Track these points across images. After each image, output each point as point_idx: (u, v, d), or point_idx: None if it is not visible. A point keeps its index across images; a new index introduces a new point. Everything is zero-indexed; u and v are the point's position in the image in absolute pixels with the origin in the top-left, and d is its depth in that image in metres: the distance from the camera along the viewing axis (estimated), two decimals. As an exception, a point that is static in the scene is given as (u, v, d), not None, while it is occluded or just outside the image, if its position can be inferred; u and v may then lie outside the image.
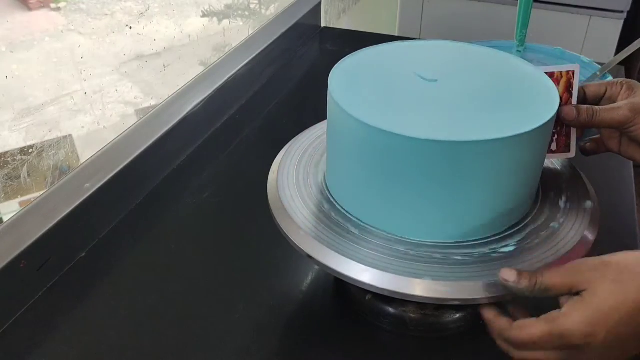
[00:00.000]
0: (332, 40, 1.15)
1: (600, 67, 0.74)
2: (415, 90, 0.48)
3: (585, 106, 0.48)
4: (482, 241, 0.46)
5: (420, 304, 0.52)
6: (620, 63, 0.73)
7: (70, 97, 0.62)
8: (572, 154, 0.52)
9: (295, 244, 0.47)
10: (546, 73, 0.49)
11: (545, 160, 0.50)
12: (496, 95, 0.47)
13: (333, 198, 0.50)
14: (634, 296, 0.37)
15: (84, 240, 0.62)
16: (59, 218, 0.58)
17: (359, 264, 0.44)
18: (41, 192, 0.57)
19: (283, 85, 0.98)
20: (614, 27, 1.22)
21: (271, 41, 0.98)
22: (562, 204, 0.50)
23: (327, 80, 0.48)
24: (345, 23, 1.40)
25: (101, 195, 0.63)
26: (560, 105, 0.48)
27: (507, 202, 0.46)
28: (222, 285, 0.58)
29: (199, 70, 0.82)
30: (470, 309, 0.53)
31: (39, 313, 0.55)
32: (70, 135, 0.63)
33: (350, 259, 0.44)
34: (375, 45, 0.54)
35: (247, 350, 0.51)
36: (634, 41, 0.65)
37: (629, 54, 0.68)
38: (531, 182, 0.48)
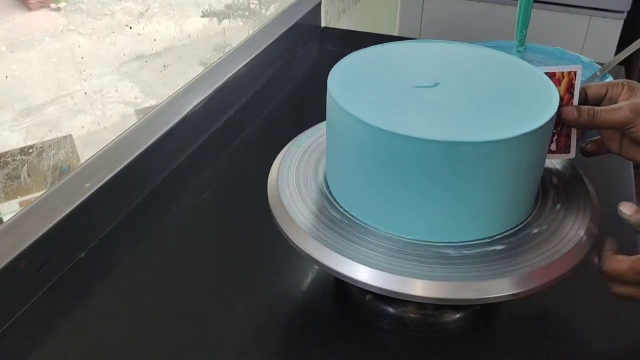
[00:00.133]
0: (332, 40, 1.15)
1: (600, 67, 0.74)
2: (414, 89, 0.47)
3: (586, 107, 0.48)
4: (483, 241, 0.46)
5: (420, 304, 0.52)
6: (620, 63, 0.73)
7: (70, 97, 0.62)
8: (572, 154, 0.52)
9: (295, 244, 0.47)
10: (547, 73, 0.49)
11: (546, 161, 0.50)
12: (496, 96, 0.47)
13: (333, 198, 0.50)
14: None
15: (84, 240, 0.62)
16: (59, 218, 0.58)
17: (359, 264, 0.44)
18: (41, 192, 0.57)
19: (283, 85, 0.98)
20: (614, 27, 1.22)
21: (271, 41, 0.98)
22: (562, 204, 0.50)
23: (327, 80, 0.48)
24: (345, 23, 1.40)
25: (101, 195, 0.63)
26: (561, 106, 0.48)
27: (507, 202, 0.46)
28: (222, 285, 0.58)
29: (199, 70, 0.82)
30: (470, 309, 0.53)
31: (39, 313, 0.55)
32: (70, 135, 0.63)
33: (350, 259, 0.44)
34: (375, 45, 0.54)
35: (247, 350, 0.51)
36: (634, 41, 0.66)
37: (629, 54, 0.68)
38: (532, 182, 0.48)
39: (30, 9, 0.59)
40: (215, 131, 0.83)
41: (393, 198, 0.45)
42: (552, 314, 0.55)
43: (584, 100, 0.50)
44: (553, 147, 0.52)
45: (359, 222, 0.48)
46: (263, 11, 1.02)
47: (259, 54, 0.95)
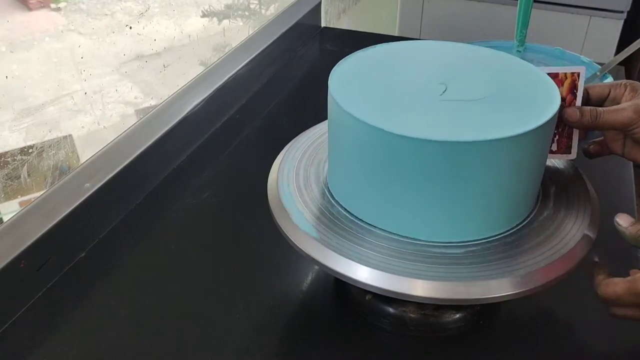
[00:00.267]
0: (332, 40, 1.15)
1: (600, 67, 0.74)
2: (415, 90, 0.48)
3: (589, 107, 0.48)
4: (483, 241, 0.46)
5: (420, 304, 0.52)
6: (620, 63, 0.73)
7: (70, 97, 0.62)
8: (573, 155, 0.52)
9: (295, 244, 0.47)
10: (550, 74, 0.49)
11: (547, 160, 0.50)
12: (496, 95, 0.47)
13: (333, 198, 0.50)
14: None
15: (84, 240, 0.62)
16: (59, 218, 0.58)
17: (359, 264, 0.44)
18: (41, 192, 0.57)
19: (283, 85, 0.98)
20: (614, 27, 1.22)
21: (271, 41, 0.98)
22: (562, 203, 0.50)
23: (327, 80, 0.48)
24: (345, 23, 1.40)
25: (101, 195, 0.63)
26: (563, 107, 0.48)
27: (508, 202, 0.46)
28: (222, 285, 0.58)
29: (199, 70, 0.82)
30: (470, 309, 0.53)
31: (39, 313, 0.55)
32: (70, 135, 0.63)
33: (350, 259, 0.44)
34: (375, 45, 0.54)
35: (247, 350, 0.51)
36: (634, 41, 0.65)
37: (629, 54, 0.68)
38: (532, 182, 0.48)
39: (30, 9, 0.59)
40: (215, 131, 0.83)
41: (393, 198, 0.45)
42: (552, 314, 0.55)
43: (587, 100, 0.50)
44: (554, 147, 0.52)
45: (359, 222, 0.48)
46: (263, 11, 1.02)
47: (259, 54, 0.95)
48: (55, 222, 0.57)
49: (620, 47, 1.16)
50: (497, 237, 0.47)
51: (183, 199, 0.70)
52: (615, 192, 0.71)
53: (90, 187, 0.62)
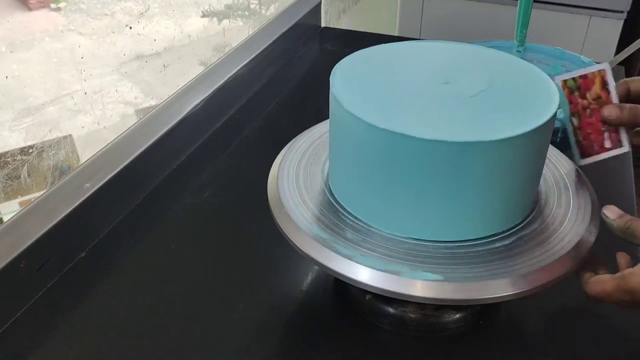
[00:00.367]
0: (332, 40, 1.15)
1: (600, 67, 0.74)
2: (416, 90, 0.48)
3: (629, 105, 0.48)
4: (483, 241, 0.46)
5: (420, 304, 0.52)
6: (620, 63, 0.73)
7: (70, 97, 0.62)
8: (626, 148, 0.51)
9: (295, 244, 0.47)
10: (581, 76, 0.50)
11: (546, 160, 0.50)
12: (496, 95, 0.47)
13: (333, 198, 0.50)
14: None
15: (84, 240, 0.62)
16: (59, 218, 0.58)
17: (359, 264, 0.44)
18: (41, 192, 0.57)
19: (283, 85, 0.98)
20: (614, 27, 1.22)
21: (271, 41, 0.98)
22: (563, 203, 0.50)
23: (327, 80, 0.48)
24: (345, 23, 1.40)
25: (101, 195, 0.63)
26: (601, 105, 0.49)
27: (508, 201, 0.46)
28: (222, 285, 0.58)
29: (199, 70, 0.82)
30: (470, 309, 0.53)
31: (39, 313, 0.55)
32: (70, 135, 0.63)
33: (350, 259, 0.44)
34: (376, 45, 0.54)
35: (247, 350, 0.51)
36: (634, 41, 0.65)
37: (629, 54, 0.68)
38: (532, 181, 0.48)
39: (30, 9, 0.59)
40: (215, 131, 0.83)
41: (393, 198, 0.45)
42: (552, 314, 0.55)
43: (627, 95, 0.50)
44: (608, 144, 0.51)
45: (358, 222, 0.48)
46: (263, 11, 1.02)
47: (259, 54, 0.95)
48: (55, 222, 0.57)
49: (620, 47, 1.16)
50: (496, 237, 0.47)
51: (183, 199, 0.70)
52: (615, 192, 0.71)
53: (90, 187, 0.62)
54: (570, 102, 0.51)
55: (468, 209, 0.45)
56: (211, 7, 0.86)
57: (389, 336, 0.53)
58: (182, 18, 0.79)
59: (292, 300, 0.57)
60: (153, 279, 0.59)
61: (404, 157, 0.43)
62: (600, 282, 0.44)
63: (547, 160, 0.53)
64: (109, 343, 0.52)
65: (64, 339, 0.52)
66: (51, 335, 0.53)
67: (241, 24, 0.95)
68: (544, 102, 0.45)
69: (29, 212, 0.55)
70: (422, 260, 0.44)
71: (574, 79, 0.51)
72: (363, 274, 0.43)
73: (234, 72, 0.88)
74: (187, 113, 0.77)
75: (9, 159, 0.57)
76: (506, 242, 0.46)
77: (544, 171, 0.52)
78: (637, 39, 0.65)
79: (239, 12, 0.94)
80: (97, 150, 0.63)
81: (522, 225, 0.48)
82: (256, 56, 0.94)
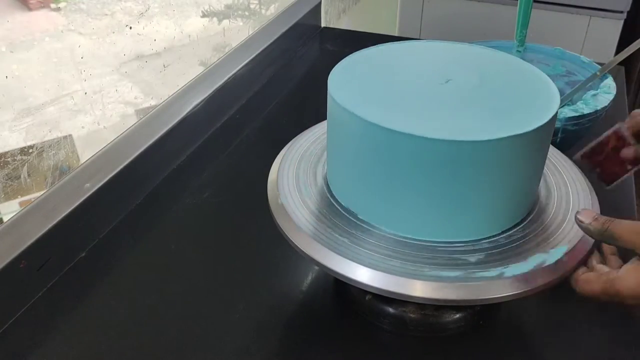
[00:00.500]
0: (332, 40, 1.15)
1: (600, 67, 0.74)
2: (416, 89, 0.48)
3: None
4: (483, 241, 0.46)
5: (420, 304, 0.52)
6: (620, 63, 0.73)
7: (70, 97, 0.62)
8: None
9: (295, 245, 0.47)
10: (597, 144, 0.53)
11: (546, 160, 0.50)
12: (496, 95, 0.47)
13: (333, 198, 0.50)
14: None
15: (84, 240, 0.62)
16: (59, 218, 0.58)
17: (359, 265, 0.44)
18: (41, 192, 0.57)
19: (283, 85, 0.98)
20: (614, 27, 1.22)
21: (271, 41, 0.98)
22: (563, 203, 0.50)
23: (327, 80, 0.48)
24: (345, 23, 1.40)
25: (101, 195, 0.63)
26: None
27: (507, 201, 0.46)
28: (222, 285, 0.58)
29: (199, 70, 0.82)
30: (470, 309, 0.53)
31: (39, 313, 0.55)
32: (70, 135, 0.63)
33: (350, 259, 0.44)
34: (375, 45, 0.54)
35: (247, 350, 0.51)
36: (634, 41, 0.65)
37: (629, 54, 0.68)
38: (532, 181, 0.48)
39: (30, 9, 0.59)
40: (215, 131, 0.83)
41: (393, 197, 0.45)
42: (552, 314, 0.55)
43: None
44: (629, 167, 0.53)
45: (358, 222, 0.48)
46: (263, 11, 1.02)
47: (259, 54, 0.95)
48: (55, 222, 0.57)
49: (620, 47, 1.16)
50: (496, 237, 0.47)
51: (183, 199, 0.70)
52: (615, 192, 0.71)
53: (90, 187, 0.62)
54: (592, 163, 0.54)
55: (468, 208, 0.45)
56: (211, 7, 0.86)
57: (389, 336, 0.53)
58: (182, 18, 0.79)
59: (292, 300, 0.57)
60: (153, 279, 0.59)
61: (404, 156, 0.43)
62: (590, 283, 0.44)
63: (547, 160, 0.53)
64: (109, 343, 0.52)
65: (64, 339, 0.52)
66: (51, 335, 0.53)
67: (241, 24, 0.95)
68: (545, 102, 0.45)
69: (29, 212, 0.55)
70: (422, 260, 0.44)
71: (592, 148, 0.53)
72: (363, 274, 0.43)
73: (234, 72, 0.88)
74: (187, 113, 0.77)
75: (9, 159, 0.57)
76: (506, 242, 0.46)
77: (544, 171, 0.52)
78: (637, 39, 0.65)
79: (239, 12, 0.94)
80: (97, 150, 0.63)
81: (523, 224, 0.48)
82: (256, 56, 0.94)
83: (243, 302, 0.56)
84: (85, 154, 0.63)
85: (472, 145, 0.41)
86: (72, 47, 0.63)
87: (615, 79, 0.73)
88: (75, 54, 0.63)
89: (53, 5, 0.61)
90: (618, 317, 0.54)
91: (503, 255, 0.45)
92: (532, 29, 0.82)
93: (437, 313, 0.52)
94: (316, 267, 0.58)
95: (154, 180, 0.72)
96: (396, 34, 1.41)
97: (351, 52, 0.53)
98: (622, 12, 1.20)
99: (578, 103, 0.69)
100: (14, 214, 0.54)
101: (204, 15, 0.85)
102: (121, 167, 0.66)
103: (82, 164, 0.61)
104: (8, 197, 0.57)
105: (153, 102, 0.75)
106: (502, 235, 0.47)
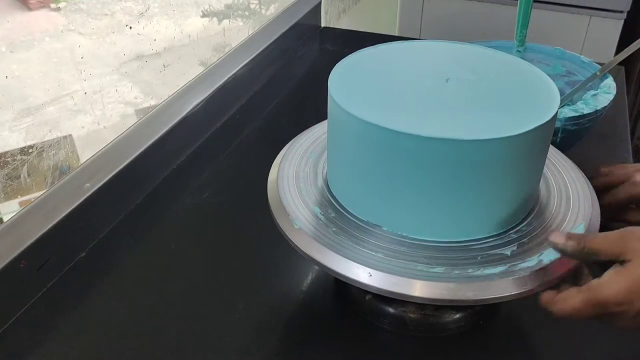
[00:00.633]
0: (332, 40, 1.15)
1: (600, 67, 0.74)
2: (415, 89, 0.48)
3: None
4: (483, 241, 0.46)
5: (420, 304, 0.52)
6: (620, 63, 0.73)
7: (70, 97, 0.62)
8: None
9: (295, 244, 0.47)
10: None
11: (546, 160, 0.50)
12: (496, 95, 0.47)
13: (333, 198, 0.50)
14: None
15: (84, 240, 0.62)
16: (59, 218, 0.58)
17: (359, 265, 0.44)
18: (41, 192, 0.57)
19: (283, 85, 0.98)
20: (614, 27, 1.22)
21: (271, 41, 0.98)
22: (563, 203, 0.50)
23: (327, 80, 0.48)
24: (345, 23, 1.40)
25: (101, 195, 0.63)
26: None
27: (507, 201, 0.46)
28: (222, 285, 0.58)
29: (199, 70, 0.82)
30: (470, 309, 0.53)
31: (39, 313, 0.55)
32: (70, 135, 0.63)
33: (350, 259, 0.44)
34: (375, 45, 0.54)
35: (247, 350, 0.51)
36: (634, 41, 0.66)
37: (629, 54, 0.68)
38: (532, 181, 0.48)
39: (30, 9, 0.59)
40: (215, 131, 0.83)
41: (393, 197, 0.45)
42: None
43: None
44: None
45: (358, 222, 0.48)
46: (263, 11, 1.02)
47: (259, 54, 0.95)
48: (55, 222, 0.57)
49: (620, 47, 1.16)
50: (496, 237, 0.47)
51: (183, 199, 0.70)
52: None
53: (90, 187, 0.62)
54: None
55: (468, 208, 0.45)
56: (211, 7, 0.86)
57: (389, 336, 0.53)
58: (182, 18, 0.79)
59: (292, 300, 0.57)
60: (153, 279, 0.59)
61: (404, 156, 0.43)
62: (568, 299, 0.41)
63: (547, 160, 0.53)
64: (109, 343, 0.52)
65: (64, 339, 0.52)
66: (51, 335, 0.53)
67: (241, 24, 0.95)
68: (545, 102, 0.45)
69: (29, 212, 0.55)
70: (422, 260, 0.44)
71: None
72: (363, 274, 0.43)
73: (234, 72, 0.88)
74: (187, 113, 0.77)
75: (9, 159, 0.57)
76: (506, 241, 0.46)
77: (544, 171, 0.52)
78: (637, 39, 0.65)
79: (239, 12, 0.94)
80: (97, 150, 0.63)
81: (523, 224, 0.48)
82: (256, 56, 0.94)
83: (243, 302, 0.56)
84: (85, 154, 0.63)
85: (472, 145, 0.41)
86: (72, 47, 0.63)
87: (615, 79, 0.73)
88: (75, 54, 0.63)
89: (53, 5, 0.61)
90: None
91: (503, 255, 0.45)
92: (532, 29, 0.82)
93: (437, 313, 0.52)
94: (316, 267, 0.58)
95: (154, 180, 0.72)
96: (396, 34, 1.41)
97: (351, 52, 0.52)
98: (622, 12, 1.20)
99: (578, 103, 0.69)
100: (14, 214, 0.54)
101: (204, 15, 0.85)
102: (121, 167, 0.66)
103: (82, 164, 0.61)
104: (8, 197, 0.57)
105: (153, 102, 0.75)
106: (502, 235, 0.47)
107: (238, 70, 0.89)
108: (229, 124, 0.86)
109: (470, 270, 0.43)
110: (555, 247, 0.43)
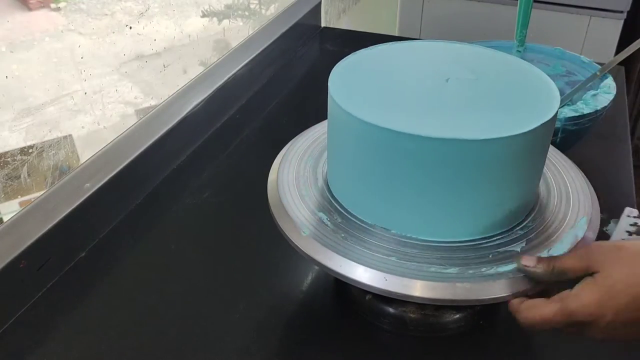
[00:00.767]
0: (332, 40, 1.15)
1: (600, 67, 0.74)
2: (415, 89, 0.48)
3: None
4: (482, 241, 0.46)
5: (420, 304, 0.52)
6: (620, 63, 0.73)
7: (70, 97, 0.62)
8: None
9: (295, 244, 0.47)
10: None
11: (547, 160, 0.50)
12: (496, 95, 0.47)
13: (333, 197, 0.50)
14: None
15: (84, 240, 0.62)
16: (59, 218, 0.58)
17: (359, 265, 0.44)
18: (41, 192, 0.57)
19: (283, 85, 0.98)
20: (614, 27, 1.22)
21: (271, 41, 0.98)
22: (563, 203, 0.50)
23: (327, 80, 0.48)
24: (345, 23, 1.40)
25: (101, 195, 0.63)
26: None
27: (508, 201, 0.46)
28: (222, 285, 0.58)
29: (199, 70, 0.82)
30: (470, 309, 0.53)
31: (39, 313, 0.55)
32: (70, 135, 0.63)
33: (350, 259, 0.44)
34: (375, 45, 0.54)
35: (247, 350, 0.51)
36: (634, 41, 0.66)
37: (629, 54, 0.68)
38: (532, 181, 0.48)
39: (30, 9, 0.59)
40: (215, 131, 0.83)
41: (393, 197, 0.45)
42: (552, 314, 0.55)
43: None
44: None
45: (358, 222, 0.48)
46: (263, 11, 1.02)
47: (259, 54, 0.95)
48: (55, 222, 0.57)
49: (620, 47, 1.16)
50: (496, 237, 0.47)
51: (183, 199, 0.70)
52: (615, 192, 0.71)
53: (90, 187, 0.62)
54: None
55: (468, 208, 0.45)
56: (211, 7, 0.86)
57: (389, 336, 0.53)
58: (182, 18, 0.79)
59: (292, 300, 0.57)
60: (153, 279, 0.59)
61: (404, 156, 0.43)
62: (537, 308, 0.41)
63: (547, 160, 0.53)
64: (109, 343, 0.52)
65: (64, 339, 0.52)
66: (51, 335, 0.53)
67: (241, 24, 0.95)
68: (545, 102, 0.45)
69: (29, 212, 0.55)
70: (422, 260, 0.44)
71: None
72: (363, 274, 0.43)
73: (234, 72, 0.88)
74: (187, 113, 0.77)
75: (9, 159, 0.57)
76: (506, 241, 0.46)
77: (544, 171, 0.52)
78: (637, 39, 0.65)
79: (239, 12, 0.94)
80: (97, 150, 0.63)
81: (523, 224, 0.48)
82: (256, 56, 0.94)
83: (243, 302, 0.56)
84: (85, 154, 0.63)
85: (472, 145, 0.41)
86: (72, 47, 0.63)
87: (615, 79, 0.73)
88: (75, 54, 0.63)
89: (53, 5, 0.61)
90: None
91: (503, 255, 0.45)
92: (532, 29, 0.82)
93: (437, 313, 0.52)
94: (316, 267, 0.58)
95: (154, 180, 0.72)
96: (396, 34, 1.41)
97: (351, 52, 0.52)
98: (622, 12, 1.20)
99: (578, 103, 0.69)
100: (14, 214, 0.54)
101: (204, 15, 0.85)
102: (121, 167, 0.66)
103: (82, 164, 0.61)
104: (8, 197, 0.57)
105: (153, 102, 0.75)
106: (502, 235, 0.47)
107: (238, 70, 0.89)
108: (229, 124, 0.86)
109: (470, 270, 0.43)
110: (527, 271, 0.43)
